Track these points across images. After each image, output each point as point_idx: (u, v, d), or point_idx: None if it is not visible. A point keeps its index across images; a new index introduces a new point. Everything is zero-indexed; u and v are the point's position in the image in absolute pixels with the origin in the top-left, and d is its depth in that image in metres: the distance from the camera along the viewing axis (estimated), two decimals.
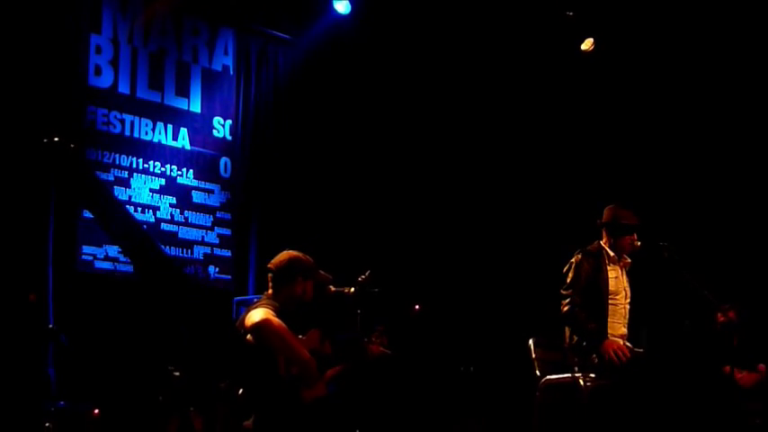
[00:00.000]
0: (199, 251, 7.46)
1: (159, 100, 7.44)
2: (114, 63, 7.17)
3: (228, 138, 7.83)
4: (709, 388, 5.19)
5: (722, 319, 6.39)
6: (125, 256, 6.61)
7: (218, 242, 7.59)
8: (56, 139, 2.83)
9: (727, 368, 5.58)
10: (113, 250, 6.78)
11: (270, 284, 4.22)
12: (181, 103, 7.58)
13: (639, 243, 5.30)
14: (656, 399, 4.85)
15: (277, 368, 3.92)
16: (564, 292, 5.20)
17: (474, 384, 7.38)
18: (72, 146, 2.86)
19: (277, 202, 7.89)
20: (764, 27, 7.11)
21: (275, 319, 3.92)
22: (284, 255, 4.27)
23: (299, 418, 3.93)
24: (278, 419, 3.90)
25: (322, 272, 4.28)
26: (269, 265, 4.26)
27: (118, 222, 2.90)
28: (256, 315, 3.93)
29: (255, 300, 4.29)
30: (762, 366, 6.22)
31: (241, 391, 4.07)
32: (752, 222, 7.35)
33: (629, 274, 5.41)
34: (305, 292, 4.21)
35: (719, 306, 6.12)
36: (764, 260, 7.12)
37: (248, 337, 3.96)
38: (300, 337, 4.09)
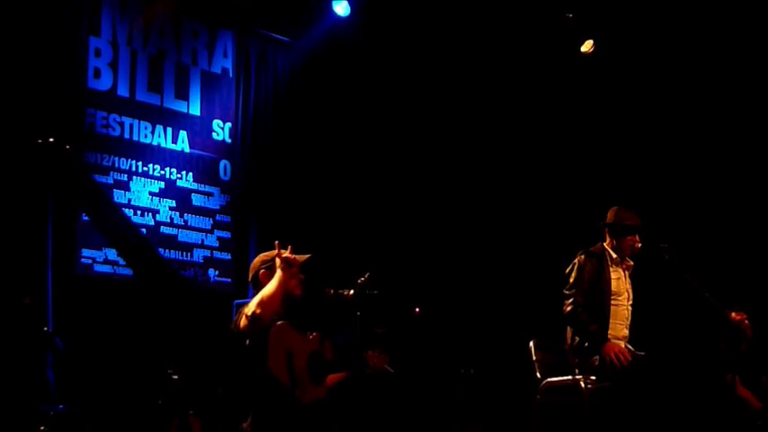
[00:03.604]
0: (198, 254, 7.43)
1: (158, 103, 7.40)
2: (113, 66, 7.14)
3: (228, 140, 7.80)
4: (709, 394, 5.16)
5: (738, 317, 6.20)
6: (122, 259, 6.59)
7: (217, 245, 7.56)
8: (50, 139, 2.79)
9: (729, 377, 5.43)
10: (113, 253, 6.75)
11: None
12: (180, 106, 7.55)
13: (640, 245, 5.29)
14: (657, 402, 4.82)
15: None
16: (566, 293, 5.19)
17: (474, 386, 7.35)
18: (67, 147, 2.82)
19: (277, 205, 7.87)
20: (764, 28, 7.09)
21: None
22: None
23: (297, 421, 3.91)
24: (275, 421, 3.88)
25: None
26: None
27: (114, 225, 2.87)
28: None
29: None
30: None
31: (238, 392, 4.06)
32: (757, 225, 7.31)
33: (631, 276, 5.40)
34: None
35: (730, 309, 6.01)
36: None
37: (243, 327, 3.94)
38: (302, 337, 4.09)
